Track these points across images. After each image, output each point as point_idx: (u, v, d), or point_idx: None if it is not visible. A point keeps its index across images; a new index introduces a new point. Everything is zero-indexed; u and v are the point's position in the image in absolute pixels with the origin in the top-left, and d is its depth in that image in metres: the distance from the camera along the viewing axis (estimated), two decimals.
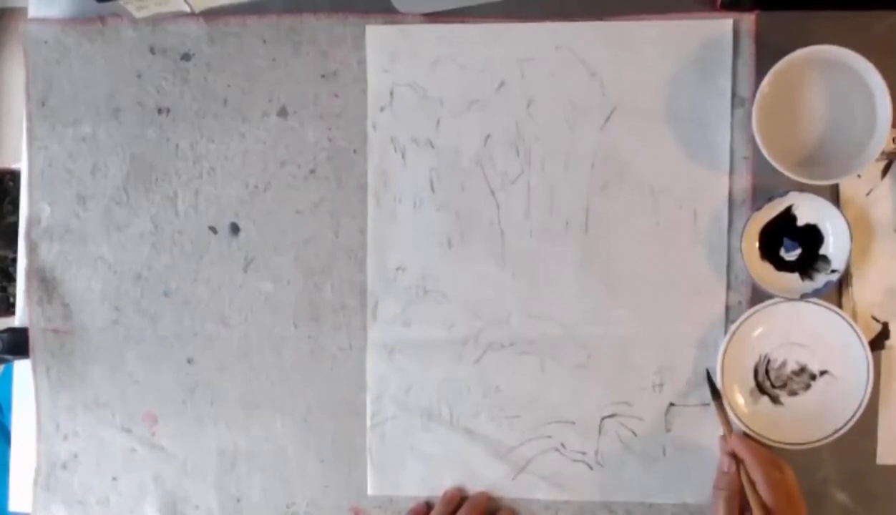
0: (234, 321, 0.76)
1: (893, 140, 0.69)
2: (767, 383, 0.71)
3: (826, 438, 0.68)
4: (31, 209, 0.77)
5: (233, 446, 0.76)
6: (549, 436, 0.73)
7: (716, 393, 0.69)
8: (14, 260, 0.81)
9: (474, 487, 0.74)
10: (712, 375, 0.70)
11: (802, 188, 0.68)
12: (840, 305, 0.71)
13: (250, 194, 0.75)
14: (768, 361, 0.71)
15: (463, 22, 0.73)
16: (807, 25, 0.69)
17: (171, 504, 0.77)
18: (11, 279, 0.98)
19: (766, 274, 0.70)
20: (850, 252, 0.67)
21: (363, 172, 0.74)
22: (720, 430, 0.71)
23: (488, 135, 0.73)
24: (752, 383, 0.71)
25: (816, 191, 0.68)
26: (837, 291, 0.71)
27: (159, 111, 0.76)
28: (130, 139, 0.76)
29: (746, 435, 0.69)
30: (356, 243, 0.75)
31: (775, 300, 0.69)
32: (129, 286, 0.77)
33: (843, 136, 0.69)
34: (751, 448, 0.66)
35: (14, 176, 0.95)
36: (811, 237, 0.69)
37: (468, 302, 0.74)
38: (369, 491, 0.75)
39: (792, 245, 0.70)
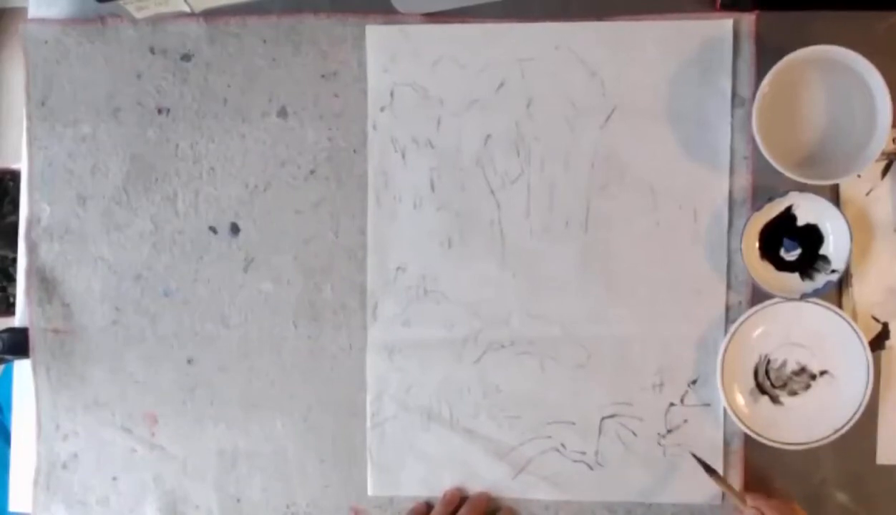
0: (234, 321, 0.76)
1: (893, 140, 0.69)
2: (767, 383, 0.71)
3: (826, 438, 0.68)
4: (31, 209, 0.77)
5: (233, 446, 0.76)
6: (549, 436, 0.73)
7: (710, 471, 0.68)
8: (14, 261, 0.81)
9: (474, 487, 0.74)
10: (700, 458, 0.69)
11: (802, 188, 0.68)
12: (840, 305, 0.71)
13: (250, 194, 0.75)
14: (768, 361, 0.71)
15: (463, 22, 0.73)
16: (807, 25, 0.69)
17: (171, 504, 0.77)
18: (11, 279, 0.98)
19: (766, 274, 0.70)
20: (850, 252, 0.67)
21: (363, 172, 0.74)
22: (720, 432, 0.71)
23: (488, 135, 0.73)
24: (752, 383, 0.71)
25: (816, 191, 0.68)
26: (837, 291, 0.71)
27: (159, 111, 0.76)
28: (130, 139, 0.76)
29: (756, 494, 0.68)
30: (356, 243, 0.75)
31: (775, 300, 0.69)
32: (129, 286, 0.77)
33: (843, 136, 0.69)
34: (774, 508, 0.66)
35: (14, 176, 0.95)
36: (811, 237, 0.69)
37: (468, 302, 0.74)
38: (369, 491, 0.75)
39: (792, 245, 0.70)
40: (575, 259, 0.73)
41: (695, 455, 0.70)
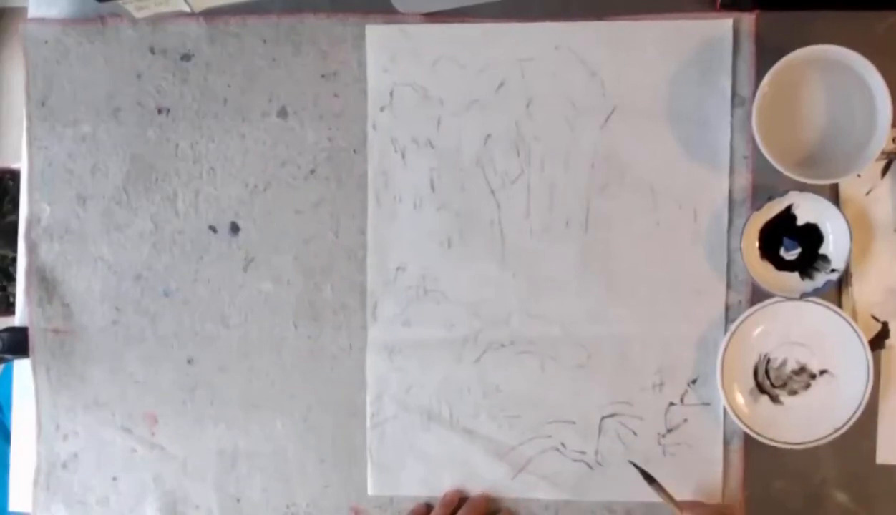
0: (234, 321, 0.76)
1: (893, 140, 0.69)
2: (767, 382, 0.71)
3: (826, 438, 0.68)
4: (31, 209, 0.77)
5: (233, 446, 0.76)
6: (549, 436, 0.73)
7: (649, 479, 0.69)
8: (14, 260, 0.81)
9: (474, 487, 0.74)
10: (638, 466, 0.69)
11: (802, 188, 0.68)
12: (840, 305, 0.71)
13: (250, 194, 0.75)
14: (768, 360, 0.71)
15: (463, 22, 0.73)
16: (807, 25, 0.69)
17: (171, 504, 0.77)
18: (11, 279, 0.98)
19: (766, 273, 0.70)
20: (850, 251, 0.67)
21: (363, 172, 0.74)
22: (720, 431, 0.71)
23: (488, 135, 0.73)
24: (751, 382, 0.71)
25: (816, 190, 0.68)
26: (837, 291, 0.71)
27: (159, 111, 0.76)
28: (130, 139, 0.76)
29: (692, 502, 0.69)
30: (356, 243, 0.75)
31: (775, 299, 0.69)
32: (129, 286, 0.76)
33: (843, 136, 0.69)
34: (702, 512, 0.67)
35: (14, 176, 0.95)
36: (811, 236, 0.69)
37: (468, 302, 0.74)
38: (369, 491, 0.75)
39: (792, 244, 0.70)
40: (575, 259, 0.73)
41: (633, 463, 0.70)
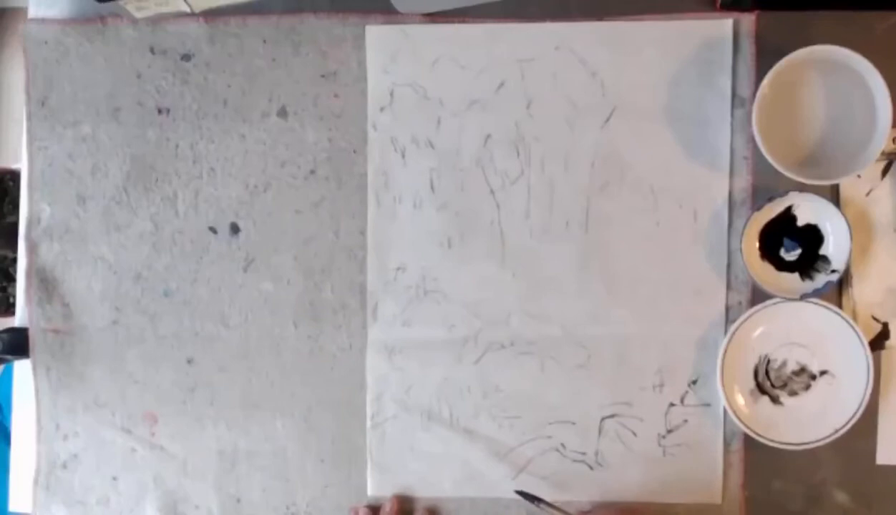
0: (234, 321, 0.76)
1: (893, 140, 0.69)
2: (767, 383, 0.71)
3: (826, 438, 0.68)
4: (31, 209, 0.77)
5: (233, 446, 0.76)
6: (550, 437, 0.73)
7: (536, 500, 0.69)
8: (14, 261, 0.81)
9: (474, 487, 0.74)
10: (523, 492, 0.70)
11: (802, 188, 0.68)
12: (840, 305, 0.71)
13: (250, 194, 0.75)
14: (768, 361, 0.71)
15: (463, 22, 0.73)
16: (807, 25, 0.69)
17: (171, 504, 0.77)
18: (11, 279, 0.98)
19: (766, 274, 0.70)
20: (850, 252, 0.67)
21: (363, 172, 0.74)
22: (720, 432, 0.71)
23: (488, 136, 0.73)
24: (752, 383, 0.71)
25: (816, 191, 0.68)
26: (837, 291, 0.71)
27: (159, 111, 0.76)
28: (130, 139, 0.76)
29: (598, 504, 0.70)
30: (356, 243, 0.75)
31: (775, 300, 0.69)
32: (129, 286, 0.76)
33: (843, 136, 0.69)
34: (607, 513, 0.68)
35: (14, 176, 0.95)
36: (811, 237, 0.69)
37: (468, 302, 0.74)
38: (369, 492, 0.75)
39: (792, 245, 0.70)
40: (575, 259, 0.73)
41: (518, 491, 0.71)
